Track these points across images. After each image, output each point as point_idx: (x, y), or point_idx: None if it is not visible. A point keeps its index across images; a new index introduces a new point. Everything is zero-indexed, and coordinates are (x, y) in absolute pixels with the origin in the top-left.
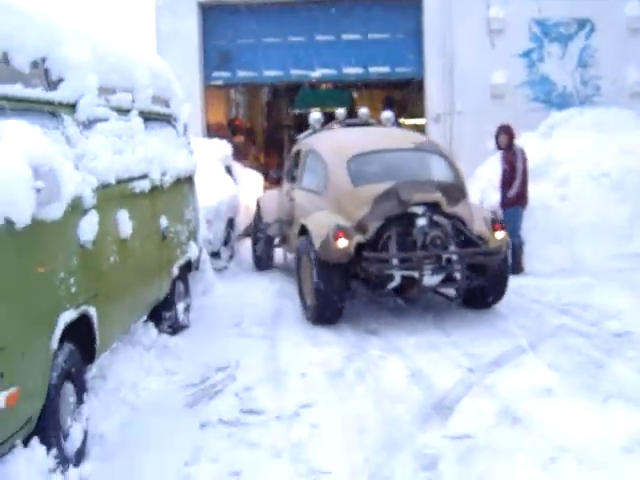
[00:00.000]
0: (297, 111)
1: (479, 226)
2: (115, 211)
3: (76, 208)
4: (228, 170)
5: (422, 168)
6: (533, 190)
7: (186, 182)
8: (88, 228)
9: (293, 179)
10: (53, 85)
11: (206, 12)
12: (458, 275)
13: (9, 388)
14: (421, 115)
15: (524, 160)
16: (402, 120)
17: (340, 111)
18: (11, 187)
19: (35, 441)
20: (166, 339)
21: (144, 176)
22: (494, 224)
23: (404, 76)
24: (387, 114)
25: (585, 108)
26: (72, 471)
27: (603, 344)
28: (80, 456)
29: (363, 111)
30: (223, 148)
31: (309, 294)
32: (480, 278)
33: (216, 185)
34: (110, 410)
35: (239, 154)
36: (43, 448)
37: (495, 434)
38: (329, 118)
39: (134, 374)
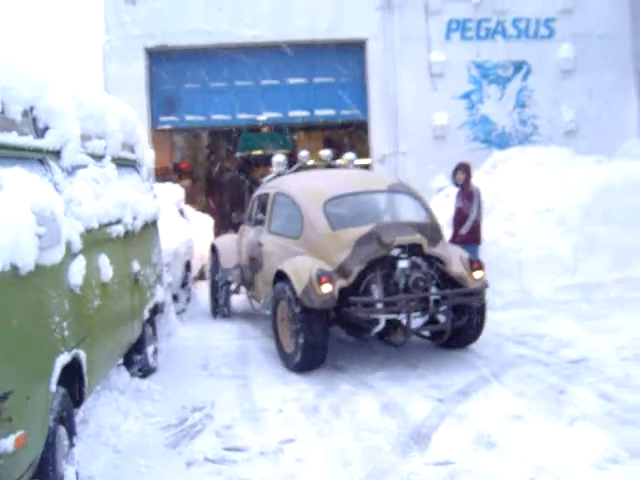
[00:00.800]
0: (239, 154)
1: (457, 266)
2: (97, 255)
3: (67, 253)
4: (181, 213)
5: (398, 210)
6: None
7: (152, 226)
8: (77, 272)
9: (256, 223)
10: (41, 133)
11: (153, 57)
12: (441, 316)
13: (17, 432)
14: (365, 155)
15: (480, 199)
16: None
17: (303, 153)
18: (16, 234)
19: None
20: (139, 382)
21: (119, 221)
22: (472, 263)
23: (349, 118)
24: (349, 156)
25: (525, 147)
26: None
27: (561, 371)
28: None
29: (326, 153)
30: (176, 192)
31: (289, 342)
32: (463, 318)
33: (173, 228)
34: (94, 453)
35: (187, 197)
36: None
37: (475, 459)
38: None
39: (113, 418)
